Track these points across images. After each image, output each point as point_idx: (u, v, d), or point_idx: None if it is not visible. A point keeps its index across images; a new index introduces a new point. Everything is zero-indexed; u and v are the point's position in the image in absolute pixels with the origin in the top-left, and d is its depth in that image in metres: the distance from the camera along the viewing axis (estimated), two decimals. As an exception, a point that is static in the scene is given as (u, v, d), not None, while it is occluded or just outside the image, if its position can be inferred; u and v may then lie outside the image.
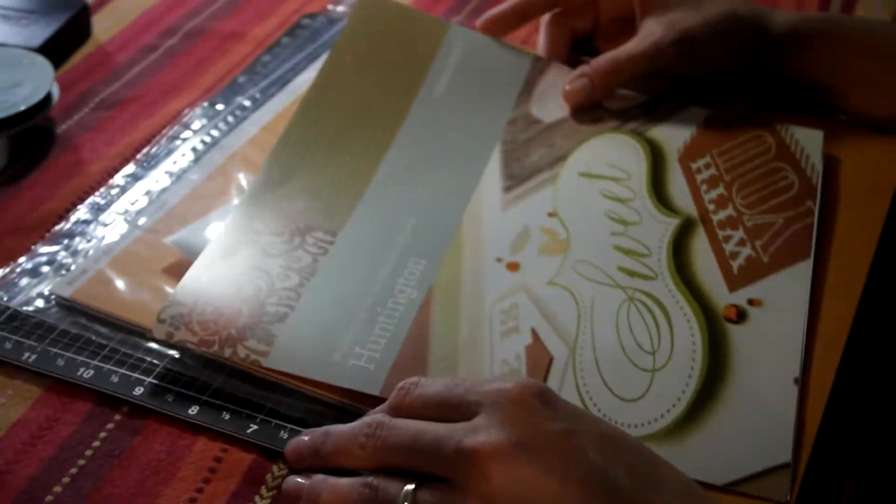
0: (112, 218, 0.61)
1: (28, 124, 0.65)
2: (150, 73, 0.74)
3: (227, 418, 0.50)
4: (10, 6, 0.76)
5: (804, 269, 0.56)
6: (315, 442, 0.47)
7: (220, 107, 0.70)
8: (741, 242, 0.58)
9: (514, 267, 0.56)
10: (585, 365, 0.52)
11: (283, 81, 0.72)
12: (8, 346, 0.53)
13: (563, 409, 0.44)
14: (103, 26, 0.78)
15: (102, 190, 0.63)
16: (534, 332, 0.53)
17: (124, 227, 0.60)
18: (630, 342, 0.53)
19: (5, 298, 0.55)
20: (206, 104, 0.70)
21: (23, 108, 0.64)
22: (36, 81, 0.66)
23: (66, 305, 0.55)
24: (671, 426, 0.49)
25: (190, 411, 0.50)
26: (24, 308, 0.55)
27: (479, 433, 0.42)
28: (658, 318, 0.54)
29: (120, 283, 0.56)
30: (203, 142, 0.66)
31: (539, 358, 0.52)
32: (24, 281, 0.56)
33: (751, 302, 0.55)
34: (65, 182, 0.64)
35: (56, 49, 0.73)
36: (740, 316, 0.54)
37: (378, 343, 0.52)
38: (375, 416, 0.46)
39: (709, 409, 0.50)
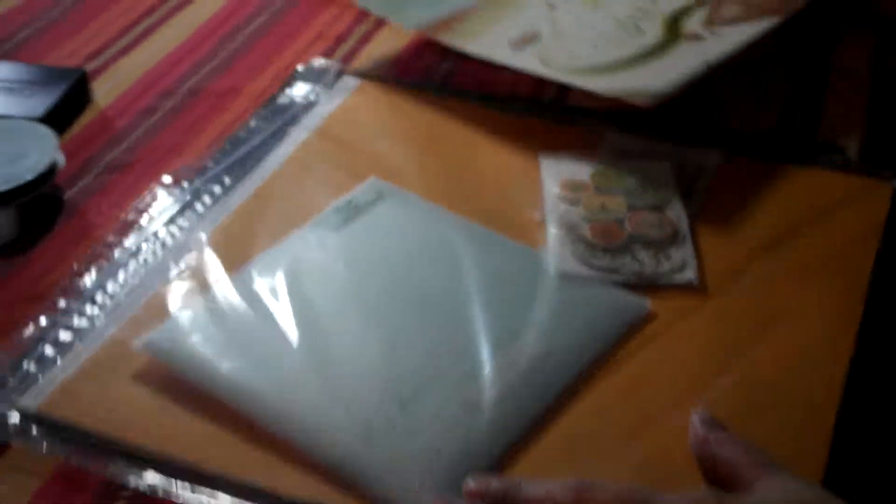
0: (78, 323, 0.59)
1: (35, 193, 0.66)
2: (151, 135, 0.75)
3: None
4: (12, 78, 0.78)
5: (772, 20, 0.71)
6: None
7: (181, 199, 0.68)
8: (735, 10, 0.73)
9: (551, 6, 0.77)
10: (559, 44, 0.73)
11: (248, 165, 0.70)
12: None
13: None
14: (103, 92, 0.80)
15: (63, 302, 0.60)
16: (536, 31, 0.74)
17: (91, 334, 0.58)
18: (603, 37, 0.73)
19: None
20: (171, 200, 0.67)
21: (29, 177, 0.66)
22: (40, 151, 0.68)
23: (34, 418, 0.53)
24: (599, 68, 0.70)
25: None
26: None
27: None
28: (632, 32, 0.73)
29: (89, 393, 0.54)
30: (171, 234, 0.65)
31: (528, 40, 0.73)
32: None
33: (714, 34, 0.71)
34: (74, 248, 0.65)
35: (58, 117, 0.75)
36: (697, 38, 0.71)
37: None
38: None
39: (631, 66, 0.70)
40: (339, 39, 0.85)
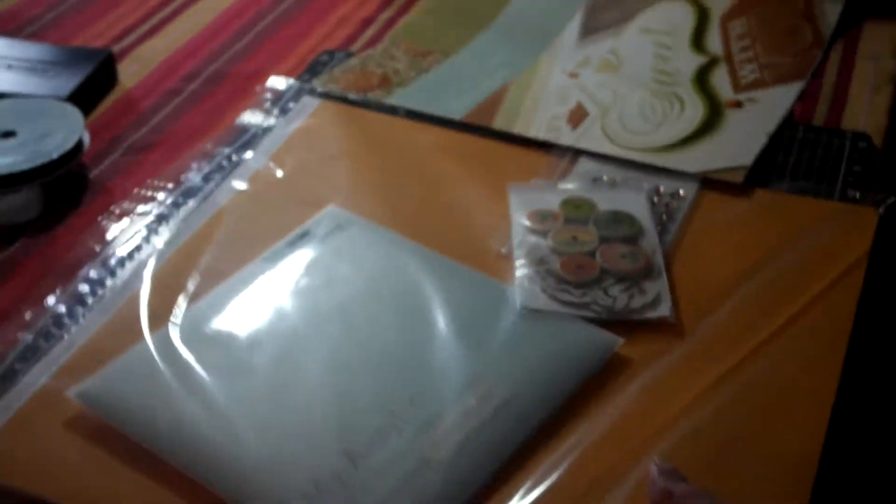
0: (11, 367, 0.55)
1: (61, 171, 0.67)
2: (175, 117, 0.76)
3: None
4: (39, 59, 0.78)
5: (797, 86, 0.74)
6: None
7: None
8: (753, 71, 0.76)
9: (574, 76, 0.77)
10: (612, 117, 0.72)
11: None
12: None
13: None
14: (128, 73, 0.81)
15: None
16: (578, 102, 0.73)
17: (24, 380, 0.54)
18: (649, 108, 0.72)
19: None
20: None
21: (55, 156, 0.66)
22: (67, 130, 0.68)
23: None
24: (669, 145, 0.69)
25: None
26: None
27: None
28: (673, 103, 0.73)
29: (17, 449, 0.51)
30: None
31: (578, 114, 0.72)
32: None
33: (749, 99, 0.73)
34: (98, 225, 0.66)
35: (84, 97, 0.75)
36: (737, 105, 0.72)
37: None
38: None
39: (696, 141, 0.69)
40: (366, 23, 0.85)
